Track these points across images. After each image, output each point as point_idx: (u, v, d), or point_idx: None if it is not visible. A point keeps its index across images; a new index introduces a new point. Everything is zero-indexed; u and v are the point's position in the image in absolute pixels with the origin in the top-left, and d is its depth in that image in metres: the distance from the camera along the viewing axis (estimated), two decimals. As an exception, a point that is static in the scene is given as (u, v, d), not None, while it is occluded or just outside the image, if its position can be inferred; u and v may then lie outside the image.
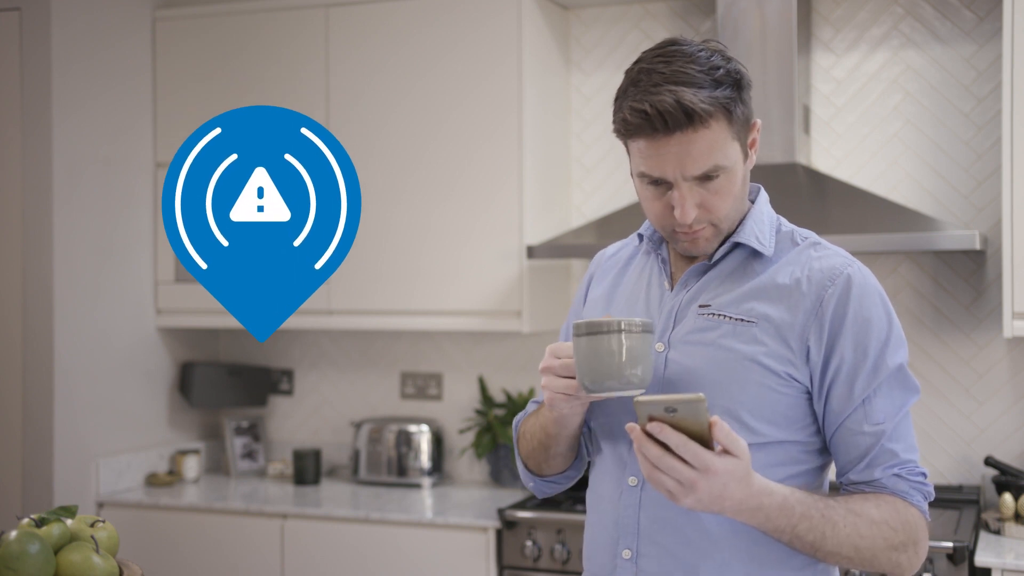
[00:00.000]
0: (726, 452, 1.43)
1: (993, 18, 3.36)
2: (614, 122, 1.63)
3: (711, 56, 1.58)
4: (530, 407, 1.89)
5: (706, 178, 1.59)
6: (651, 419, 1.41)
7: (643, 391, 1.55)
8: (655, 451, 1.42)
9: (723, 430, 1.42)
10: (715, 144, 1.57)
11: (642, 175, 1.62)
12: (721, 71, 1.57)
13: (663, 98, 1.54)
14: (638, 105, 1.56)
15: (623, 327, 1.52)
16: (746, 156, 1.64)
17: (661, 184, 1.61)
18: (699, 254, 1.68)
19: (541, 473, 1.84)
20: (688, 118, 1.54)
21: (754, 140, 1.66)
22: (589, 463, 1.83)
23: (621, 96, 1.61)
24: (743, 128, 1.62)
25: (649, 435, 1.42)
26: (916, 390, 1.65)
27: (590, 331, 1.53)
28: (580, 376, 1.55)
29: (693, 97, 1.54)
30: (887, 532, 1.57)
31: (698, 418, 1.40)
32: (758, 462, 1.59)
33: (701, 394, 1.39)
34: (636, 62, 1.61)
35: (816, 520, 1.53)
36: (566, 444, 1.76)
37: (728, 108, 1.57)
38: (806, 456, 1.67)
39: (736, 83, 1.59)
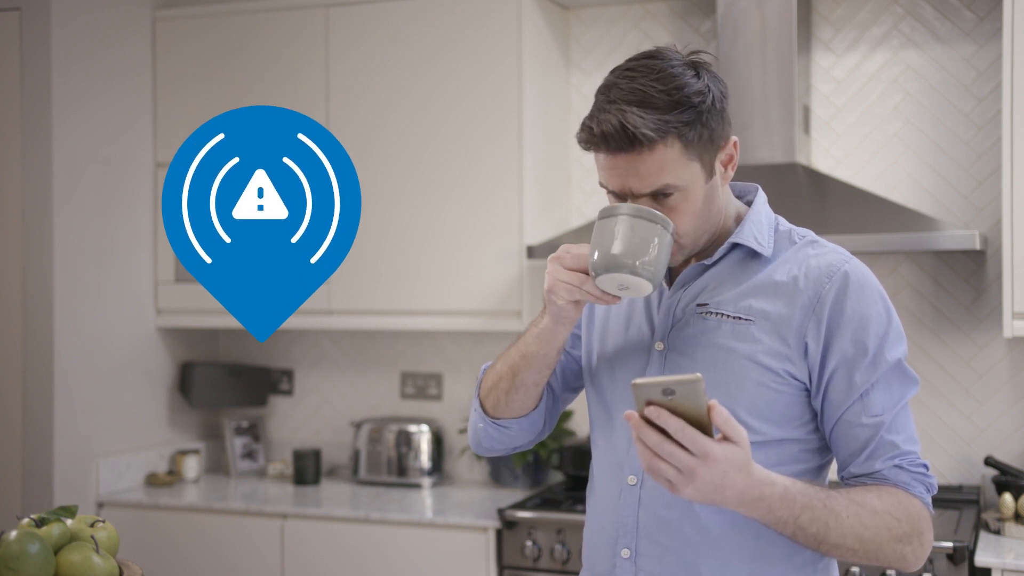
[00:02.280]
0: (726, 440, 1.42)
1: (993, 18, 3.36)
2: None
3: (683, 73, 1.57)
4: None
5: (660, 195, 1.59)
6: (649, 403, 1.40)
7: (651, 285, 1.56)
8: (654, 437, 1.40)
9: (722, 415, 1.41)
10: (664, 165, 1.56)
11: (602, 185, 1.64)
12: (685, 90, 1.56)
13: (609, 118, 1.55)
14: (588, 122, 1.58)
15: (638, 213, 1.54)
16: (711, 174, 1.63)
17: (619, 196, 1.62)
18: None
19: (497, 414, 1.80)
20: (629, 142, 1.55)
21: (730, 156, 1.65)
22: (590, 462, 1.83)
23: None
24: (706, 148, 1.60)
25: (647, 421, 1.41)
26: (915, 382, 1.65)
27: (604, 214, 1.56)
28: (590, 261, 1.57)
29: (638, 120, 1.54)
30: (891, 522, 1.56)
31: (696, 400, 1.38)
32: (759, 462, 1.59)
33: (698, 374, 1.38)
34: (611, 72, 1.62)
35: (819, 510, 1.51)
36: (537, 373, 1.74)
37: (683, 130, 1.56)
38: (806, 455, 1.67)
39: (697, 105, 1.57)
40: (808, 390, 1.64)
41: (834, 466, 1.70)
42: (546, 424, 1.85)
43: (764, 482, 1.47)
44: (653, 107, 1.55)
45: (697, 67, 1.60)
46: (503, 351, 1.80)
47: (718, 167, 1.64)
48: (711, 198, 1.64)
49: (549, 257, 1.65)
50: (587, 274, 1.59)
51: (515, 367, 1.74)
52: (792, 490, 1.50)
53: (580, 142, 1.61)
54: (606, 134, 1.55)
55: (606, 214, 1.56)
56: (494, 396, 1.79)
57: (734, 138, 1.65)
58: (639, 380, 1.39)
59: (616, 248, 1.54)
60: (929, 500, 1.63)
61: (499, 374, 1.78)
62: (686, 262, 1.73)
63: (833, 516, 1.52)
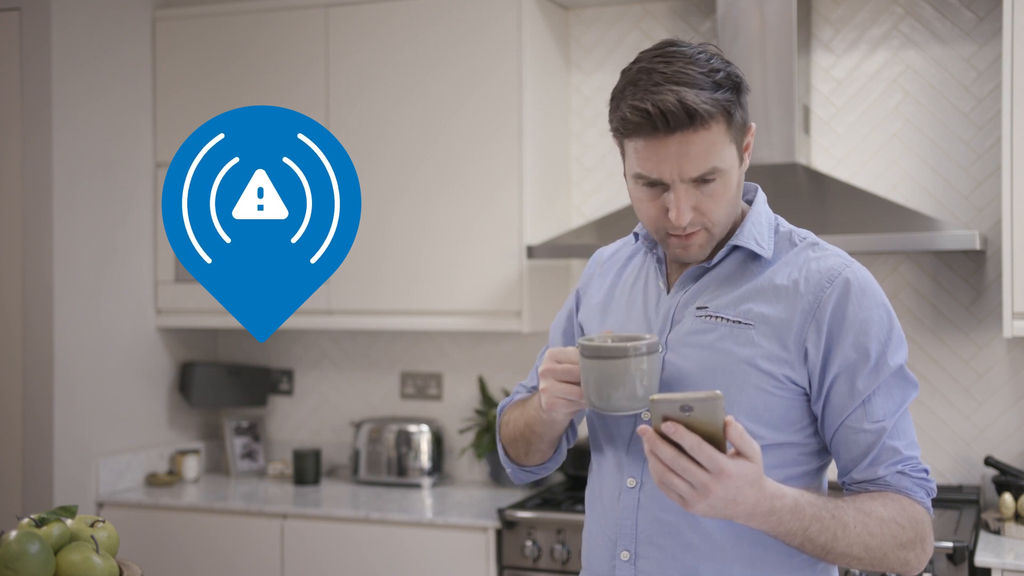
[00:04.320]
0: (739, 455, 1.41)
1: (993, 18, 3.36)
2: (611, 121, 1.62)
3: (711, 59, 1.59)
4: (516, 393, 1.89)
5: (702, 181, 1.58)
6: (665, 419, 1.39)
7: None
8: (669, 452, 1.39)
9: (737, 431, 1.40)
10: (713, 146, 1.57)
11: (638, 176, 1.61)
12: (721, 74, 1.58)
13: (665, 97, 1.53)
14: (639, 104, 1.55)
15: (631, 352, 1.51)
16: (741, 160, 1.64)
17: (657, 186, 1.60)
18: (690, 260, 1.67)
19: (520, 463, 1.84)
20: (690, 118, 1.53)
21: (748, 144, 1.66)
22: (589, 464, 1.82)
23: (619, 96, 1.60)
24: (740, 132, 1.62)
25: (662, 436, 1.40)
26: (915, 386, 1.65)
27: (598, 355, 1.53)
28: (587, 394, 1.56)
29: (695, 97, 1.53)
30: (896, 530, 1.56)
31: (713, 417, 1.38)
32: None
33: (718, 391, 1.37)
34: (634, 62, 1.61)
35: (827, 521, 1.51)
36: (548, 443, 1.77)
37: (728, 110, 1.57)
38: (804, 458, 1.66)
39: (735, 86, 1.59)
40: (807, 394, 1.63)
41: (832, 467, 1.70)
42: (567, 447, 1.88)
43: (775, 495, 1.46)
44: (699, 87, 1.55)
45: (718, 54, 1.62)
46: (516, 405, 1.83)
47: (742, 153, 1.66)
48: (740, 185, 1.66)
49: (540, 370, 1.63)
50: (579, 385, 1.59)
51: (528, 438, 1.77)
52: (801, 502, 1.50)
53: (627, 126, 1.58)
54: (664, 112, 1.53)
55: (601, 355, 1.53)
56: (514, 451, 1.83)
57: (752, 124, 1.67)
58: (658, 396, 1.39)
59: (611, 392, 1.53)
60: (930, 504, 1.63)
61: (514, 436, 1.81)
62: (685, 263, 1.72)
63: (841, 526, 1.52)
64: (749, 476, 1.42)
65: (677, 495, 1.42)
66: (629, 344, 1.52)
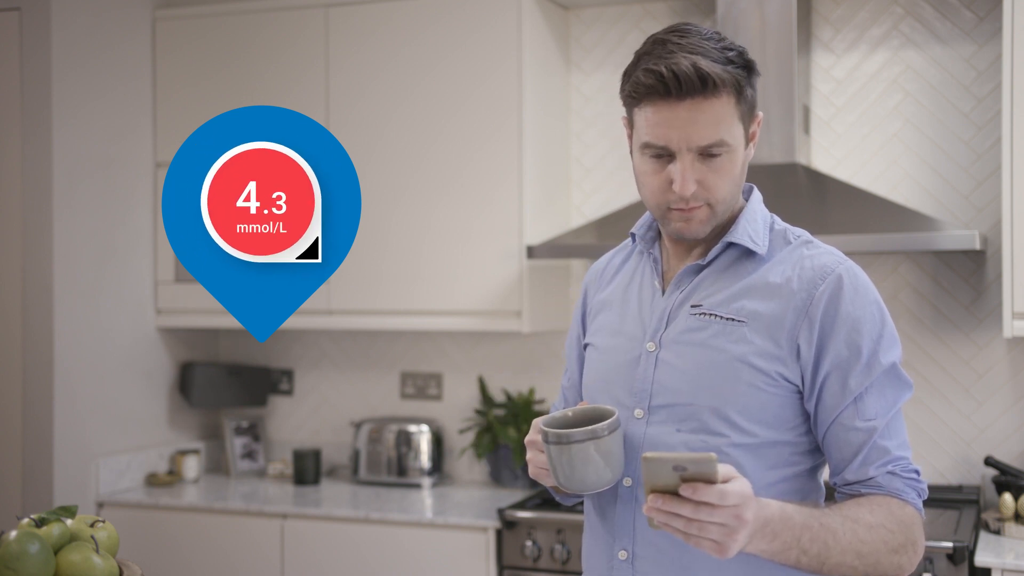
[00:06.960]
0: (726, 481, 1.41)
1: (993, 18, 3.36)
2: (623, 89, 1.64)
3: (723, 39, 1.62)
4: (554, 408, 1.91)
5: (709, 155, 1.59)
6: (655, 489, 1.40)
7: (617, 480, 1.61)
8: (688, 507, 1.39)
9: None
10: (722, 117, 1.58)
11: (645, 146, 1.62)
12: (733, 52, 1.60)
13: (679, 61, 1.56)
14: (654, 67, 1.57)
15: (589, 436, 1.54)
16: (747, 144, 1.65)
17: (663, 157, 1.61)
18: (691, 237, 1.66)
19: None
20: (702, 83, 1.55)
21: (755, 133, 1.67)
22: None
23: (631, 69, 1.62)
24: (748, 112, 1.63)
25: (663, 499, 1.41)
26: (909, 387, 1.64)
27: (559, 440, 1.56)
28: (555, 476, 1.59)
29: (708, 64, 1.56)
30: (886, 535, 1.56)
31: (709, 477, 1.38)
32: (752, 465, 1.59)
33: (713, 454, 1.38)
34: (648, 39, 1.63)
35: (816, 529, 1.51)
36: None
37: (739, 84, 1.59)
38: (798, 457, 1.66)
39: (747, 64, 1.62)
40: (800, 392, 1.63)
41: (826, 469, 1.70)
42: None
43: (763, 504, 1.46)
44: (712, 59, 1.57)
45: (727, 38, 1.64)
46: None
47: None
48: (744, 167, 1.66)
49: (526, 440, 1.68)
50: None
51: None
52: (787, 509, 1.49)
53: (640, 89, 1.59)
54: (678, 74, 1.55)
55: (562, 440, 1.56)
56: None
57: (760, 113, 1.68)
58: (650, 454, 1.39)
59: (575, 475, 1.57)
60: (920, 505, 1.63)
61: None
62: (682, 260, 1.72)
63: (831, 534, 1.52)
64: (748, 490, 1.43)
65: (710, 541, 1.41)
66: (583, 429, 1.55)
